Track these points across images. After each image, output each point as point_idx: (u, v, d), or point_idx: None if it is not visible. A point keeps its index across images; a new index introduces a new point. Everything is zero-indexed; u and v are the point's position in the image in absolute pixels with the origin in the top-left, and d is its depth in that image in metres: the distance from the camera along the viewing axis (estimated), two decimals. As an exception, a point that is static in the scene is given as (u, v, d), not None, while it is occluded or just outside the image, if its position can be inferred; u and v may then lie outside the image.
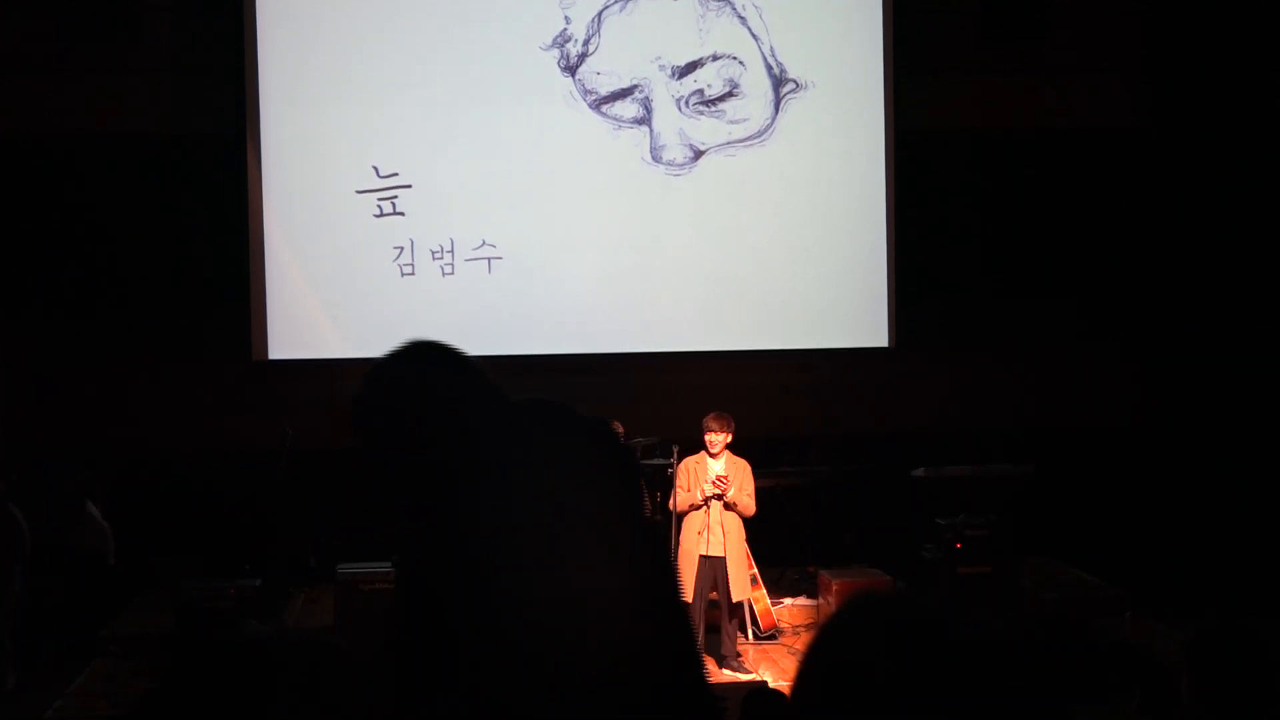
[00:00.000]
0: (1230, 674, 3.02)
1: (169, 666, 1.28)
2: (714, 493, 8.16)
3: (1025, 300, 10.99)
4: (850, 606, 1.31)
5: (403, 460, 2.07)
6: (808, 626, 9.48)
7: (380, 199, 10.33)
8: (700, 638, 8.31)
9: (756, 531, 8.74)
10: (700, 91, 10.57)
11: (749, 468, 8.37)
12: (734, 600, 8.34)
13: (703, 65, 10.57)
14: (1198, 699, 3.02)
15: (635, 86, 10.50)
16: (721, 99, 10.60)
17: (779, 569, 9.88)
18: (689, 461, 8.29)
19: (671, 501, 8.32)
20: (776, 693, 4.99)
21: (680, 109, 10.56)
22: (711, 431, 8.24)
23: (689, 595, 8.20)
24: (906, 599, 1.29)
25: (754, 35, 10.61)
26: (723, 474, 8.17)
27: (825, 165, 10.70)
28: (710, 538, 8.20)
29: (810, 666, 1.29)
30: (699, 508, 8.19)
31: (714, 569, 8.25)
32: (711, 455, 8.27)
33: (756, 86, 10.63)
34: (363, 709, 1.25)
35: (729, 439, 8.29)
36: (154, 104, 10.32)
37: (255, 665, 1.22)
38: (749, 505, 8.31)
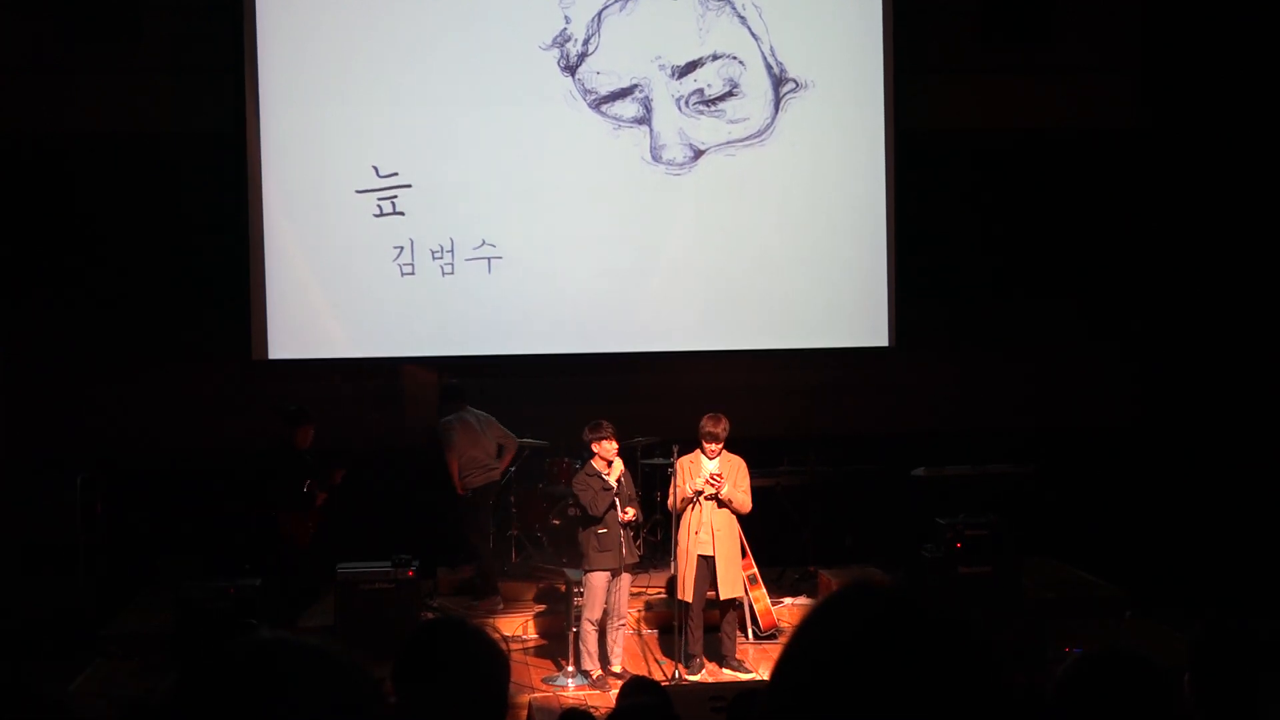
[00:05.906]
0: (1230, 674, 3.02)
1: (178, 672, 1.27)
2: (709, 491, 8.15)
3: (1025, 300, 10.99)
4: (833, 598, 1.27)
5: None
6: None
7: (380, 199, 10.33)
8: (700, 637, 8.33)
9: (756, 531, 8.74)
10: (700, 91, 10.56)
11: (744, 465, 8.38)
12: (723, 598, 8.33)
13: (703, 65, 10.56)
14: (1198, 699, 3.02)
15: (635, 86, 10.49)
16: (721, 99, 10.59)
17: (779, 569, 9.88)
18: (684, 461, 8.29)
19: (670, 500, 8.33)
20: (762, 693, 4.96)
21: (680, 109, 10.55)
22: (712, 439, 8.20)
23: (690, 595, 8.21)
24: (890, 592, 1.24)
25: (754, 35, 10.60)
26: (717, 472, 8.17)
27: (825, 165, 10.69)
28: (704, 537, 8.22)
29: (789, 659, 1.25)
30: (691, 502, 8.19)
31: (708, 568, 8.27)
32: (709, 458, 8.27)
33: (756, 86, 10.62)
34: (368, 713, 1.24)
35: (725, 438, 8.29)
36: (154, 104, 10.32)
37: (264, 669, 1.21)
38: (745, 502, 8.31)
